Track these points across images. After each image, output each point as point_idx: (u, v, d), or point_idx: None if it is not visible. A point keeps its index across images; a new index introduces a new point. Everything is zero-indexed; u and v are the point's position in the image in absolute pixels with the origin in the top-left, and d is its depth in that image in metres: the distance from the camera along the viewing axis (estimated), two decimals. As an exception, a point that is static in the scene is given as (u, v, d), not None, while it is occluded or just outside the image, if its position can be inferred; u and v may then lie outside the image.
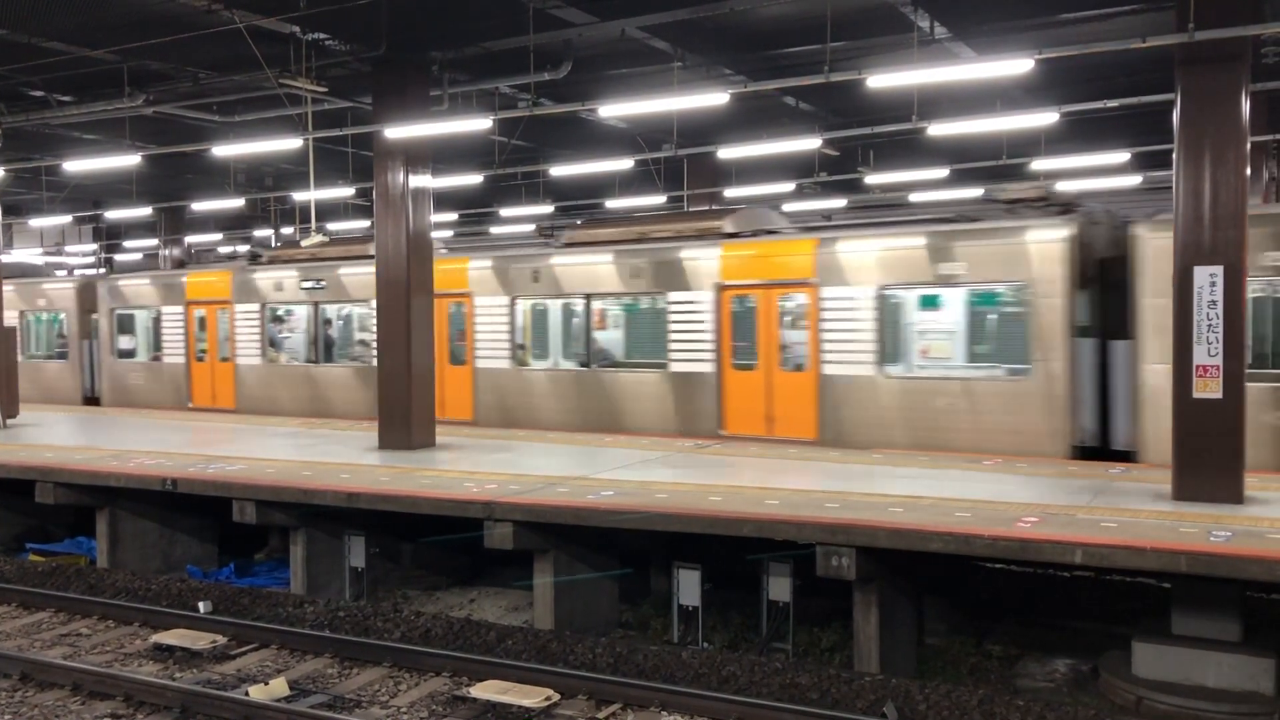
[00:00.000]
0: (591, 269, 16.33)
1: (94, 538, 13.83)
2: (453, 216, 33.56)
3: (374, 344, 15.79)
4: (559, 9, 13.27)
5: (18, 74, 16.27)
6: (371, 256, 15.54)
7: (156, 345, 21.82)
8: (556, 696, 8.50)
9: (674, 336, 15.55)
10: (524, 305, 17.09)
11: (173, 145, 19.56)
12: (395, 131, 13.97)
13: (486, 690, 8.57)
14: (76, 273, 36.89)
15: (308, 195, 17.98)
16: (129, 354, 22.35)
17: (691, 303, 15.36)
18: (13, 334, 18.42)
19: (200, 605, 11.39)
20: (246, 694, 8.66)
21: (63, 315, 23.48)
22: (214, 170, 26.11)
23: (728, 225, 15.96)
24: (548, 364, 17.00)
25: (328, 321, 19.59)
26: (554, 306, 16.96)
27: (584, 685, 8.68)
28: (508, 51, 14.56)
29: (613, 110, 15.70)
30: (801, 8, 13.48)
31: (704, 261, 15.29)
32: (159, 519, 13.96)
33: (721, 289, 15.12)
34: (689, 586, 10.71)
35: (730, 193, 25.52)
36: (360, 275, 18.51)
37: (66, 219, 33.11)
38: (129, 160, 17.69)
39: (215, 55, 15.08)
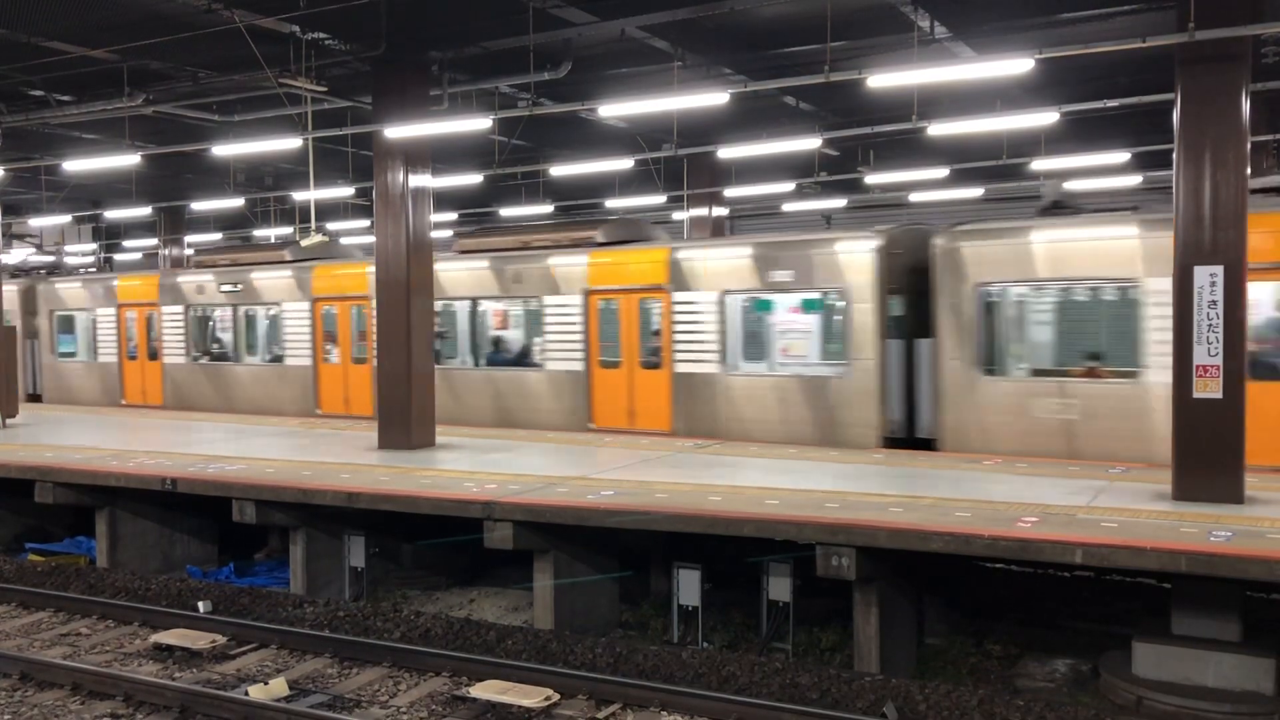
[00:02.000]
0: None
1: (93, 537, 13.83)
2: (452, 216, 33.54)
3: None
4: (559, 9, 13.26)
5: (17, 74, 16.25)
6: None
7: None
8: (556, 696, 8.50)
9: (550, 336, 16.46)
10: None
11: (172, 145, 19.55)
12: (395, 131, 13.97)
13: (486, 690, 8.57)
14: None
15: (307, 195, 17.93)
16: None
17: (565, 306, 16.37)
18: (13, 333, 18.41)
19: (200, 605, 11.39)
20: (246, 694, 8.67)
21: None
22: (214, 170, 26.07)
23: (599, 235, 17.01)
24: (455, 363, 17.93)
25: None
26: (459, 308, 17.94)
27: (584, 685, 8.69)
28: (508, 51, 14.54)
29: (613, 110, 15.70)
30: (801, 8, 13.47)
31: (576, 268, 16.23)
32: (158, 519, 13.96)
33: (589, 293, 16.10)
34: (689, 586, 10.71)
35: (730, 192, 25.53)
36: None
37: (66, 219, 33.09)
38: (128, 160, 17.67)
39: (215, 55, 15.06)
